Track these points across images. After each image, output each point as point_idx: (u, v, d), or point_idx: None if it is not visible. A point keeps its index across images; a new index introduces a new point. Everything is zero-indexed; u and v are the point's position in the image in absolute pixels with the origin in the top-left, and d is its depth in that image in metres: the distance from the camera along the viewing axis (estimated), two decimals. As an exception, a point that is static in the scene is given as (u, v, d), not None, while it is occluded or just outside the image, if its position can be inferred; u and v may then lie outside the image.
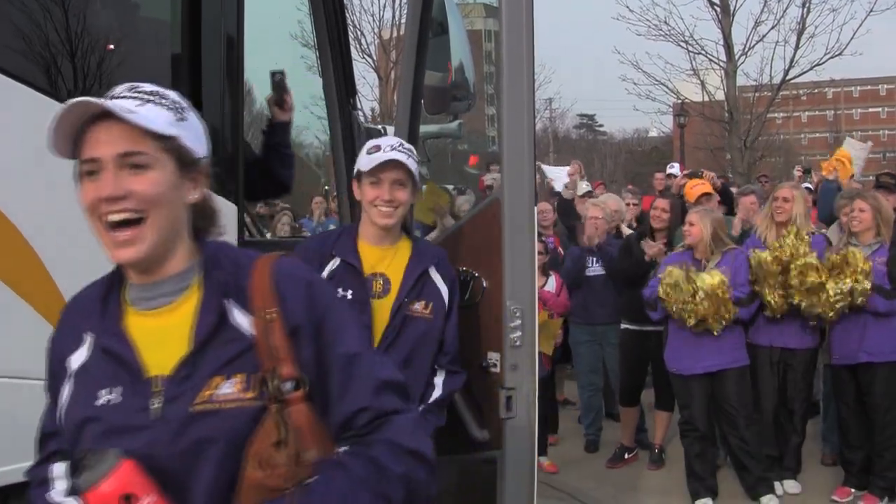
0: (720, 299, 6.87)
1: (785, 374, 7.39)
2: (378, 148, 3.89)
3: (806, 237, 7.05)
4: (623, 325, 8.40)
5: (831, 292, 6.79)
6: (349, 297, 3.83)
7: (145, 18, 4.07)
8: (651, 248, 7.92)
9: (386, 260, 3.99)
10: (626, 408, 8.65)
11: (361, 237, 4.02)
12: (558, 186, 12.88)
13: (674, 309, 6.96)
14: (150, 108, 2.03)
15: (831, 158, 11.18)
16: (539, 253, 5.76)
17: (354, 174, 3.99)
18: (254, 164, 4.54)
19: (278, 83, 4.64)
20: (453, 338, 4.08)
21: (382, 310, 3.90)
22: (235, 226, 3.94)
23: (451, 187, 12.15)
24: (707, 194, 8.83)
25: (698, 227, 7.20)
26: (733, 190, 11.21)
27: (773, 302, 7.03)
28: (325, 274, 3.85)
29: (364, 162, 3.89)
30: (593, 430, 9.02)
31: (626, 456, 8.57)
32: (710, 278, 6.89)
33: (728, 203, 9.76)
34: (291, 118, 4.75)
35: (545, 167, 16.63)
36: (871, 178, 13.07)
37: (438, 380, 4.03)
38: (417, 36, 4.72)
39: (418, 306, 3.94)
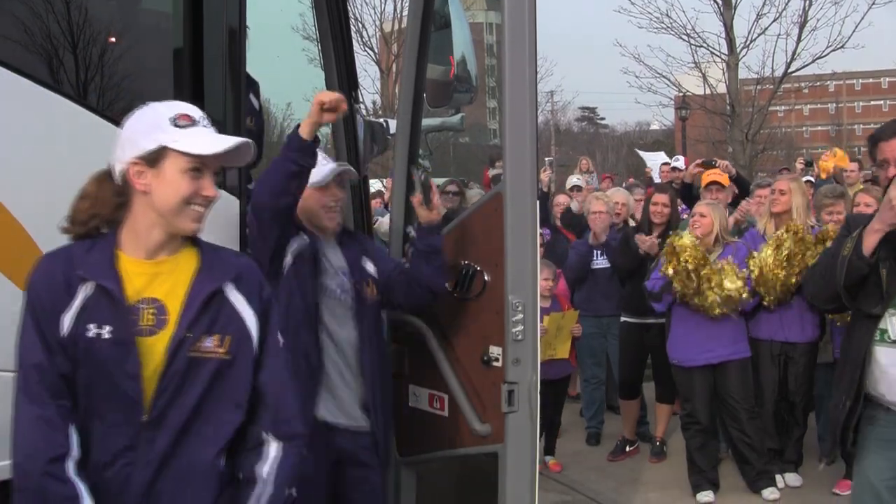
0: (735, 301, 6.93)
1: (786, 367, 7.39)
2: (192, 120, 2.83)
3: (808, 236, 7.06)
4: (623, 318, 8.40)
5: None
6: (106, 335, 2.69)
7: (147, 10, 4.07)
8: (644, 242, 7.92)
9: (161, 278, 2.81)
10: (626, 401, 8.64)
11: (124, 247, 2.82)
12: (657, 176, 12.70)
13: (680, 286, 6.98)
14: None
15: (829, 162, 11.14)
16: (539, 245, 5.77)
17: (133, 158, 2.76)
18: (401, 271, 4.44)
19: (424, 181, 4.39)
20: (280, 387, 2.94)
21: (155, 351, 2.74)
22: (238, 219, 3.93)
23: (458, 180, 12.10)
24: (719, 185, 8.71)
25: (710, 218, 7.20)
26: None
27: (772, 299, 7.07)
28: (76, 306, 2.70)
29: (194, 141, 2.78)
30: (595, 422, 9.01)
31: (628, 449, 8.57)
32: (731, 284, 6.90)
33: (744, 191, 9.66)
34: (440, 219, 4.48)
35: (643, 153, 16.33)
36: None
37: (270, 450, 2.90)
38: (419, 28, 4.71)
39: (209, 343, 2.78)
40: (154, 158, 2.74)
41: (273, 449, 2.88)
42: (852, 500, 4.27)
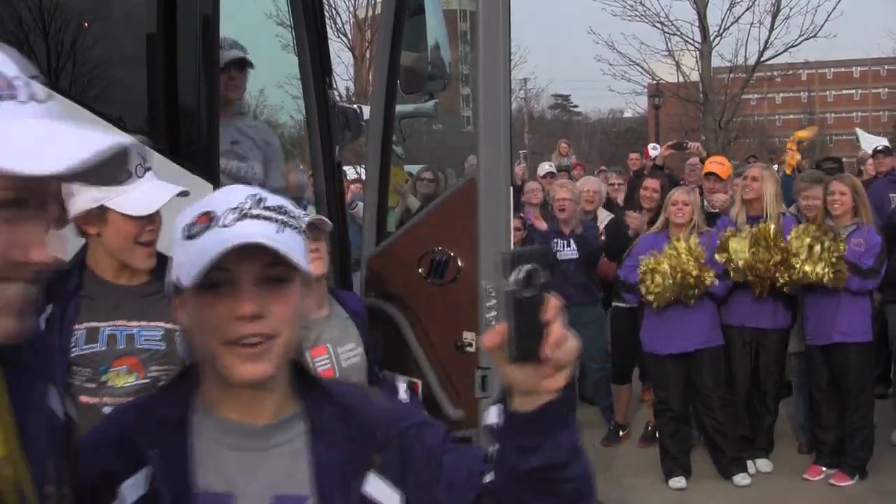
0: (686, 268, 6.92)
1: (757, 355, 7.43)
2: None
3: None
4: (614, 303, 8.34)
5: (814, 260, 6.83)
6: None
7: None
8: (634, 220, 7.92)
9: None
10: (618, 385, 8.63)
11: None
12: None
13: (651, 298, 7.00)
14: None
15: (789, 151, 11.10)
16: (517, 229, 5.77)
17: None
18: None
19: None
20: None
21: None
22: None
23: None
24: (717, 176, 8.65)
25: (692, 206, 7.24)
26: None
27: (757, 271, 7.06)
28: None
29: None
30: (567, 409, 9.00)
31: (621, 434, 8.57)
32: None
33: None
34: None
35: (861, 132, 16.19)
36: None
37: None
38: (393, 15, 4.71)
39: None
40: None
41: None
42: None
